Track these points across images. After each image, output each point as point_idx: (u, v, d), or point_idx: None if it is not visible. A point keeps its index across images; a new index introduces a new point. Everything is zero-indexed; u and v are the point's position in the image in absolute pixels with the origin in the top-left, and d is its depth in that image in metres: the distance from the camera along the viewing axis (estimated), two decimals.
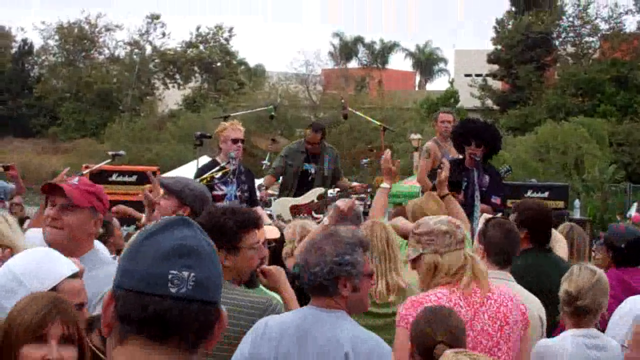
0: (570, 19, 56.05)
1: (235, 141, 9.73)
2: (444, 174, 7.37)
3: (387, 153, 7.10)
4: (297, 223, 6.80)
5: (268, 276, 4.81)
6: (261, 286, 4.91)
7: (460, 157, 9.86)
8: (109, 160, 10.17)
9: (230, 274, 4.54)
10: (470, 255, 4.86)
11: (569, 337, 5.13)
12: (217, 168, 9.45)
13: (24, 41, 74.98)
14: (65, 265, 3.61)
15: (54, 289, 3.46)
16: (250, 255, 4.67)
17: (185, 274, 2.05)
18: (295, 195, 11.29)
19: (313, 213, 10.92)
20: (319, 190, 11.35)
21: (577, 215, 20.35)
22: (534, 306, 5.42)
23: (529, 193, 12.78)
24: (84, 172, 10.99)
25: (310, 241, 4.46)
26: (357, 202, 6.87)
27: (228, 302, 4.34)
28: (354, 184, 12.20)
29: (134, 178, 12.49)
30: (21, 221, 9.08)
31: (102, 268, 4.32)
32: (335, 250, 4.19)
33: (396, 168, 7.03)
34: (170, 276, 2.04)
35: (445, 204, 7.20)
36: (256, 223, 4.72)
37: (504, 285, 5.02)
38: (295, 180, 11.44)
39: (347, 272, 4.18)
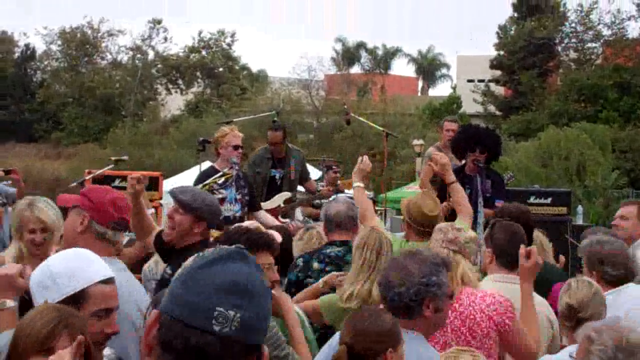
0: (573, 24, 56.01)
1: (236, 147, 9.77)
2: (443, 160, 7.40)
3: (366, 158, 7.32)
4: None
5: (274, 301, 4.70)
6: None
7: (460, 164, 9.87)
8: (111, 166, 10.16)
9: None
10: (459, 260, 4.85)
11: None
12: (219, 174, 9.44)
13: (27, 46, 75.11)
14: (97, 270, 3.64)
15: (82, 291, 3.51)
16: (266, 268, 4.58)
17: (232, 313, 2.01)
18: (264, 202, 11.28)
19: (280, 217, 10.92)
20: (286, 194, 11.34)
21: (580, 221, 20.30)
22: (541, 307, 5.41)
23: (531, 199, 12.74)
24: (87, 178, 10.99)
25: (393, 260, 4.39)
26: (353, 205, 6.87)
27: None
28: (321, 188, 12.19)
29: None
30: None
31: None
32: (422, 271, 4.16)
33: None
34: (216, 313, 2.01)
35: (451, 191, 7.21)
36: (269, 245, 4.65)
37: (487, 293, 4.93)
38: (264, 187, 11.42)
39: (433, 293, 4.15)
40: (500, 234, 5.65)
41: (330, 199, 11.16)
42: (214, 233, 9.16)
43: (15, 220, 5.64)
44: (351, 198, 12.15)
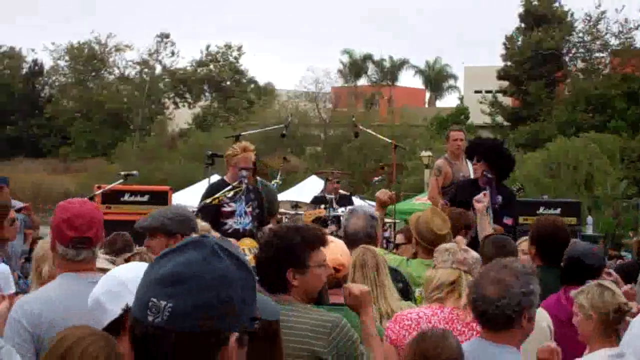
0: (580, 34, 56.01)
1: (242, 169, 9.71)
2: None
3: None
4: None
5: (351, 296, 4.70)
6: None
7: (472, 177, 9.87)
8: (121, 180, 10.18)
9: (298, 293, 4.51)
10: (468, 278, 4.81)
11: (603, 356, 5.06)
12: (229, 187, 9.44)
13: (34, 62, 75.37)
14: None
15: None
16: (318, 274, 4.57)
17: (163, 303, 2.05)
18: None
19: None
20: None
21: (589, 231, 20.26)
22: (541, 317, 5.40)
23: (541, 210, 12.73)
24: (97, 193, 11.00)
25: (484, 275, 4.38)
26: (372, 218, 6.79)
27: (291, 322, 4.32)
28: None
29: (146, 198, 12.47)
30: (34, 241, 9.09)
31: None
32: (519, 282, 4.22)
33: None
34: (150, 304, 2.06)
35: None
36: (323, 240, 4.63)
37: None
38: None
39: (531, 302, 4.24)
40: (487, 247, 5.67)
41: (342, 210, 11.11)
42: (245, 242, 9.22)
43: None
44: (337, 219, 12.17)
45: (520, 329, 4.23)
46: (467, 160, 9.82)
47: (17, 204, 12.82)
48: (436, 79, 78.95)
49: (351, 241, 6.40)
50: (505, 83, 57.08)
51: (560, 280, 6.22)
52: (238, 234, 9.66)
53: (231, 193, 9.37)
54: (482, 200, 8.25)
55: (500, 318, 4.19)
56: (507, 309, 4.17)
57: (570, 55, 56.61)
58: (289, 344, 4.20)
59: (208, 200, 9.28)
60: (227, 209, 9.60)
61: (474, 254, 5.00)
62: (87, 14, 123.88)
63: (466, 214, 7.99)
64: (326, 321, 4.45)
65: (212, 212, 9.54)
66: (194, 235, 5.77)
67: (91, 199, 9.77)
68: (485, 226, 7.85)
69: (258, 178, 11.17)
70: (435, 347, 4.06)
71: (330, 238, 5.24)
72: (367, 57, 76.28)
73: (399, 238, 9.60)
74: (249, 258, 9.69)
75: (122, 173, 10.26)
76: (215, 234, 6.05)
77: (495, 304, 4.17)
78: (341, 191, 14.88)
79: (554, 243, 6.49)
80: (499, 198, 9.41)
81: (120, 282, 3.61)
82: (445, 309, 4.76)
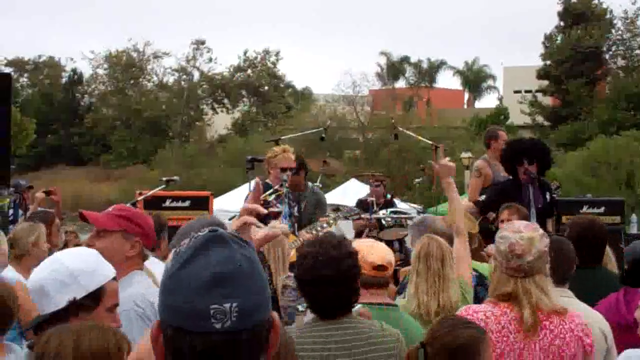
0: (620, 32, 55.58)
1: (283, 170, 9.73)
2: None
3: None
4: None
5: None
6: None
7: (510, 177, 9.79)
8: (163, 186, 10.21)
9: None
10: (529, 282, 4.65)
11: None
12: (270, 191, 9.46)
13: (74, 71, 76.06)
14: (109, 267, 3.77)
15: (102, 287, 3.63)
16: None
17: (227, 305, 1.98)
18: None
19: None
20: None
21: (634, 230, 20.03)
22: (596, 320, 5.30)
23: (584, 209, 12.60)
24: (139, 199, 11.05)
25: None
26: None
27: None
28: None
29: (187, 203, 12.49)
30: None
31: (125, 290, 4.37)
32: None
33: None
34: (212, 311, 1.98)
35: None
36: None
37: (574, 313, 4.79)
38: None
39: None
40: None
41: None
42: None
43: None
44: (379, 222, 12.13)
45: None
46: (510, 161, 9.71)
47: (23, 181, 13.21)
48: (475, 79, 78.68)
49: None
50: (545, 82, 56.81)
51: (621, 281, 6.10)
52: None
53: (273, 196, 9.39)
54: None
55: None
56: None
57: (610, 53, 56.21)
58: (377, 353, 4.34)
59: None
60: (275, 209, 9.65)
61: (532, 254, 4.59)
62: (123, 22, 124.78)
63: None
64: (391, 336, 4.51)
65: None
66: None
67: (133, 205, 9.81)
68: None
69: (309, 183, 11.20)
70: (445, 331, 3.99)
71: (370, 240, 5.29)
72: (405, 59, 76.21)
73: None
74: (291, 252, 9.74)
75: (164, 179, 10.28)
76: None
77: None
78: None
79: (590, 243, 6.38)
80: (541, 197, 9.36)
81: (70, 273, 3.60)
82: (510, 312, 4.54)
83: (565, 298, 5.18)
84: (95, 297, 3.60)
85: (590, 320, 5.06)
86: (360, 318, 4.57)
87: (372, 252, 5.01)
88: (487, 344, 4.01)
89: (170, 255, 2.11)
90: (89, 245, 4.60)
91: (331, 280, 4.34)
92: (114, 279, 3.74)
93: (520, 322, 4.50)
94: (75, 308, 3.53)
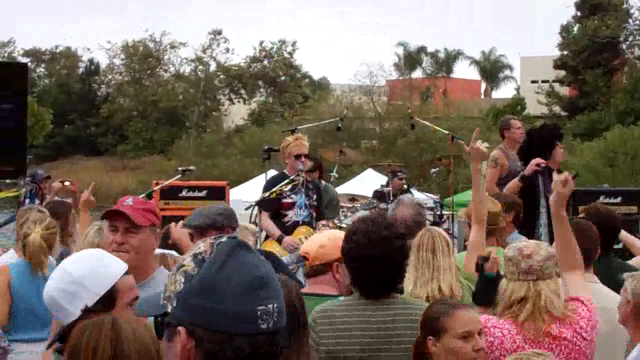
0: (637, 22, 55.30)
1: (297, 157, 9.76)
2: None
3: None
4: None
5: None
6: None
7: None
8: (179, 176, 10.23)
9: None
10: (540, 288, 4.59)
11: None
12: (286, 181, 9.48)
13: (90, 61, 76.24)
14: (116, 264, 3.67)
15: (114, 287, 3.53)
16: None
17: (270, 306, 2.06)
18: None
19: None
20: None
21: None
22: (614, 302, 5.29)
23: (601, 198, 12.57)
24: (155, 189, 11.09)
25: None
26: (420, 208, 6.73)
27: (412, 318, 4.42)
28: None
29: (203, 193, 12.53)
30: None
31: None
32: None
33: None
34: (259, 312, 2.04)
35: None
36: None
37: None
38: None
39: None
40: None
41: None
42: (301, 230, 9.35)
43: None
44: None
45: None
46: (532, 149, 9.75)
47: (41, 172, 13.30)
48: (492, 69, 78.51)
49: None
50: (562, 72, 56.58)
51: None
52: (297, 226, 9.75)
53: (289, 186, 9.42)
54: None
55: None
56: None
57: (627, 43, 55.94)
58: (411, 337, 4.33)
59: (266, 194, 9.33)
60: (288, 200, 9.70)
61: (541, 254, 4.58)
62: (140, 12, 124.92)
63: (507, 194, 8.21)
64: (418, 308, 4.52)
65: (273, 204, 9.63)
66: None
67: (149, 195, 9.84)
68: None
69: (323, 182, 11.20)
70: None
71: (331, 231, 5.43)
72: (422, 49, 76.07)
73: None
74: None
75: (180, 168, 10.29)
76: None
77: None
78: None
79: (603, 232, 6.34)
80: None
81: (74, 280, 3.52)
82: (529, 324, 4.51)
83: (590, 284, 5.18)
84: (109, 299, 3.51)
85: (617, 306, 5.07)
86: (403, 299, 4.62)
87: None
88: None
89: (188, 259, 2.12)
90: (120, 244, 4.54)
91: (380, 259, 4.37)
92: (127, 273, 3.65)
93: (537, 343, 4.49)
94: (92, 313, 3.38)
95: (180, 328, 2.08)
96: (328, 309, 4.47)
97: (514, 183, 9.69)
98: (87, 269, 3.57)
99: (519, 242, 4.75)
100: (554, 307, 4.49)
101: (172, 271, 2.19)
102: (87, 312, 3.33)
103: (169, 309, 2.12)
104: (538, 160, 9.49)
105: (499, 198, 7.58)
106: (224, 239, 2.13)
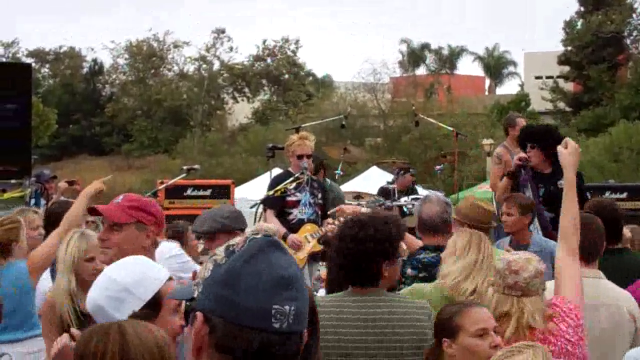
0: None
1: (300, 157, 9.75)
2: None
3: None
4: None
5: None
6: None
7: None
8: (184, 175, 10.24)
9: (384, 284, 4.56)
10: (524, 305, 4.47)
11: None
12: (291, 179, 9.48)
13: (94, 61, 76.17)
14: (160, 269, 3.76)
15: (159, 292, 3.58)
16: (399, 264, 4.69)
17: (287, 308, 2.06)
18: None
19: None
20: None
21: None
22: (624, 301, 5.28)
23: (607, 194, 12.61)
24: (160, 188, 11.11)
25: None
26: (447, 205, 6.70)
27: (399, 312, 4.43)
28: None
29: (208, 192, 12.57)
30: None
31: None
32: None
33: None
34: (274, 311, 2.05)
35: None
36: (405, 230, 4.74)
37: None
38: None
39: None
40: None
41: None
42: (307, 228, 9.34)
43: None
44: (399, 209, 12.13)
45: None
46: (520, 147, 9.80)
47: (47, 171, 13.32)
48: (496, 65, 78.35)
49: (427, 227, 6.35)
50: (566, 68, 56.49)
51: None
52: (302, 224, 9.76)
53: (294, 184, 9.42)
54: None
55: None
56: None
57: (632, 37, 55.85)
58: (402, 330, 4.35)
59: (271, 192, 9.33)
60: (292, 198, 9.70)
61: (529, 271, 4.49)
62: (143, 12, 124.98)
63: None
64: (424, 306, 4.54)
65: (278, 202, 9.64)
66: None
67: (154, 194, 9.85)
68: None
69: (328, 180, 11.24)
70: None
71: None
72: (425, 46, 75.97)
73: None
74: (312, 243, 9.80)
75: (185, 167, 10.31)
76: None
77: None
78: None
79: (608, 224, 6.28)
80: (541, 191, 9.31)
81: (122, 287, 3.57)
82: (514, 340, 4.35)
83: (591, 279, 5.16)
84: (155, 304, 3.57)
85: (620, 302, 5.06)
86: (392, 294, 4.63)
87: None
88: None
89: (221, 249, 2.15)
90: (102, 240, 4.62)
91: (374, 250, 4.42)
92: (170, 278, 3.71)
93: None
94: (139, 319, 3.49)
95: (198, 313, 2.10)
96: (320, 302, 4.46)
97: (504, 182, 9.74)
98: (133, 275, 3.63)
99: (511, 255, 4.66)
100: (536, 323, 4.46)
101: (208, 258, 2.23)
102: (134, 317, 3.36)
103: (196, 295, 2.15)
104: (521, 154, 9.57)
105: (514, 199, 7.61)
106: (259, 236, 2.14)
